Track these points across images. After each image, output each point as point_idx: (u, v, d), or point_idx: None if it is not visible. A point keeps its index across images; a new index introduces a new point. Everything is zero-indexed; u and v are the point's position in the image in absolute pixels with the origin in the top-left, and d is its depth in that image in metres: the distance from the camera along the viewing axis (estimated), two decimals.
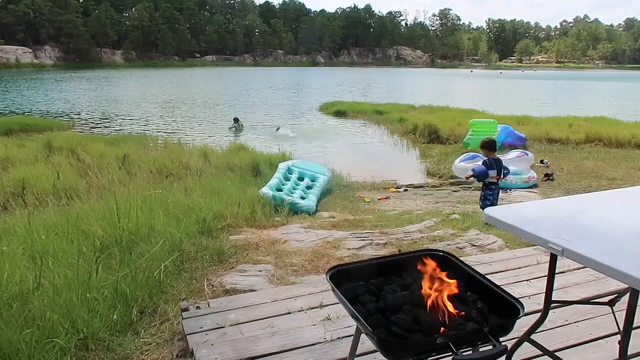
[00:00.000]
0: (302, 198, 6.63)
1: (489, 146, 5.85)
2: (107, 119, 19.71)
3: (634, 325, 2.60)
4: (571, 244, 1.63)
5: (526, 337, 2.11)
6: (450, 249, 4.06)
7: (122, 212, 4.32)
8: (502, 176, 5.81)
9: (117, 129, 16.84)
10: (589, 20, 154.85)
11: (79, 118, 19.62)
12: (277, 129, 15.95)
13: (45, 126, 15.11)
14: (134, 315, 2.90)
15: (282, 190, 6.71)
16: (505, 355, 2.19)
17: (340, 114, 20.88)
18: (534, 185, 8.40)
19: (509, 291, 1.51)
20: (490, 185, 5.78)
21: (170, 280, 3.43)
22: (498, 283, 1.64)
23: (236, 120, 16.61)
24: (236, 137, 14.98)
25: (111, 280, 2.99)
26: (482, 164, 5.84)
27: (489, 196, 5.76)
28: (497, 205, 5.56)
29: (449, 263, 1.70)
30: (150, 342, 2.66)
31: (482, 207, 5.88)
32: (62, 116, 19.88)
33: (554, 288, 2.74)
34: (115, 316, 2.76)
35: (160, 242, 3.70)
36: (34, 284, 2.87)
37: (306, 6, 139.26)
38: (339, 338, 2.45)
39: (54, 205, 5.74)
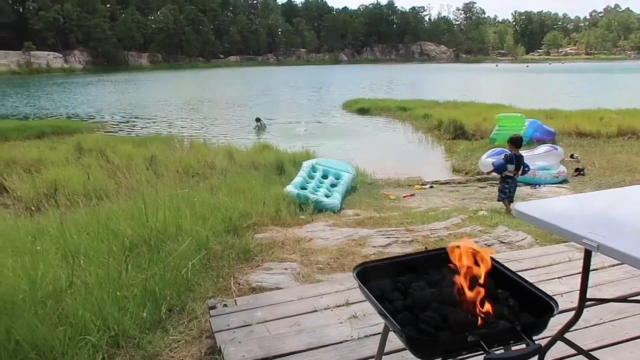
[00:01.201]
0: (327, 196, 6.62)
1: (514, 142, 6.30)
2: (134, 120, 20.11)
3: None
4: (606, 239, 1.57)
5: (560, 336, 2.06)
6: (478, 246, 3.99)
7: (150, 211, 4.39)
8: (520, 172, 6.18)
9: (144, 130, 17.16)
10: (620, 10, 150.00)
11: (107, 120, 20.07)
12: (304, 129, 15.99)
13: (75, 129, 15.51)
14: (163, 313, 2.93)
15: (306, 189, 6.72)
16: (539, 354, 2.14)
17: (363, 111, 20.79)
18: (564, 181, 8.20)
19: (540, 289, 1.46)
20: (506, 178, 6.15)
21: (198, 279, 3.46)
22: (529, 280, 1.59)
23: (258, 120, 16.72)
24: (259, 136, 15.08)
25: (140, 278, 3.04)
26: (503, 157, 6.24)
27: (505, 189, 6.14)
28: (513, 197, 6.13)
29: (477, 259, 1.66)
30: (179, 340, 2.69)
31: (499, 199, 6.32)
32: (91, 119, 20.36)
33: (589, 285, 2.66)
34: (145, 314, 2.80)
35: (187, 240, 3.73)
36: (67, 283, 2.94)
37: (328, 4, 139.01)
38: (365, 336, 2.44)
39: (85, 205, 5.89)
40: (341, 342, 2.42)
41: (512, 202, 6.06)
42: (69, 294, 2.82)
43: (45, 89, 40.45)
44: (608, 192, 2.20)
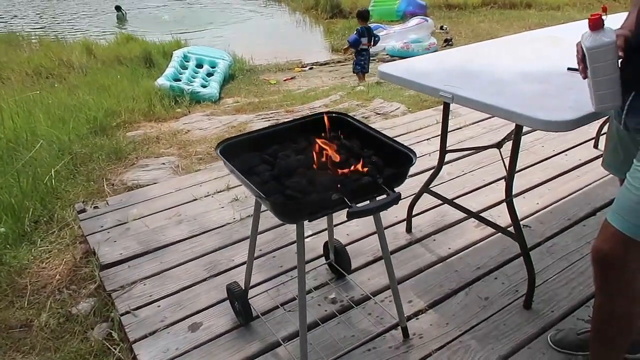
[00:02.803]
0: (203, 86, 6.27)
1: (361, 15, 6.88)
2: None
3: (520, 168, 2.82)
4: (460, 90, 1.63)
5: (425, 188, 2.21)
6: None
7: None
8: (372, 43, 6.80)
9: None
10: None
11: None
12: (166, 17, 14.62)
13: None
14: (27, 225, 2.68)
15: (180, 80, 6.28)
16: (408, 206, 2.31)
17: None
18: (435, 52, 8.54)
19: (400, 142, 1.49)
20: (361, 51, 6.69)
21: (65, 186, 3.17)
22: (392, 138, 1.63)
23: (118, 8, 14.77)
24: (121, 27, 13.50)
25: None
26: (355, 32, 6.73)
27: (360, 61, 6.69)
28: (368, 68, 6.70)
29: (344, 123, 1.65)
30: (50, 250, 2.50)
31: (354, 72, 6.90)
32: None
33: (452, 143, 2.86)
34: (2, 229, 2.53)
35: (41, 146, 3.35)
36: None
37: None
38: (248, 216, 2.44)
39: None
40: (224, 225, 2.41)
41: (366, 72, 6.70)
42: None
43: None
44: (464, 48, 2.27)
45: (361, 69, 6.68)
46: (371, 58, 8.50)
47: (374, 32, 7.09)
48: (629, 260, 1.18)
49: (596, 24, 1.16)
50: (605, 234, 1.21)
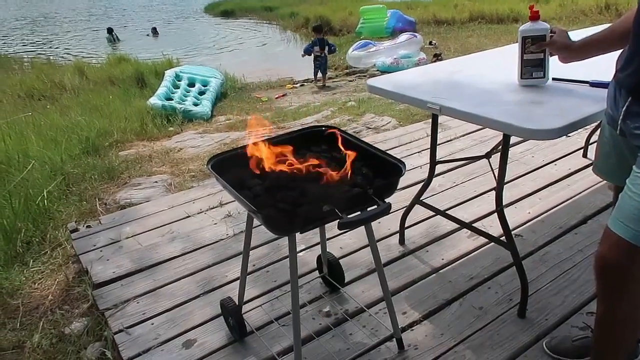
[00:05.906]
0: (195, 105, 6.30)
1: (316, 29, 8.63)
2: None
3: (511, 178, 2.84)
4: (447, 101, 1.66)
5: (417, 200, 2.22)
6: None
7: None
8: (325, 50, 8.21)
9: None
10: None
11: None
12: (153, 34, 14.91)
13: None
14: (19, 246, 2.66)
15: (172, 99, 6.30)
16: (400, 218, 2.32)
17: (227, 13, 19.59)
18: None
19: (390, 154, 1.51)
20: (317, 57, 8.20)
21: (58, 206, 3.16)
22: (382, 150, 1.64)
23: (110, 31, 14.90)
24: (114, 49, 13.60)
25: None
26: (310, 42, 8.42)
27: (316, 65, 8.23)
28: (325, 70, 7.90)
29: (334, 136, 1.67)
30: (42, 271, 2.48)
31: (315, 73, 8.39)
32: None
33: (443, 155, 2.89)
34: None
35: (33, 167, 3.35)
36: None
37: None
38: (241, 232, 2.44)
39: None
40: (217, 242, 2.40)
41: (325, 73, 8.33)
42: None
43: None
44: (451, 61, 2.30)
45: (319, 69, 8.18)
46: (362, 74, 8.70)
47: (367, 47, 8.33)
48: (633, 267, 1.17)
49: (532, 16, 1.62)
50: (608, 241, 1.19)
